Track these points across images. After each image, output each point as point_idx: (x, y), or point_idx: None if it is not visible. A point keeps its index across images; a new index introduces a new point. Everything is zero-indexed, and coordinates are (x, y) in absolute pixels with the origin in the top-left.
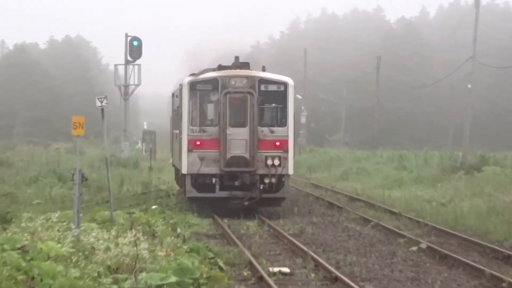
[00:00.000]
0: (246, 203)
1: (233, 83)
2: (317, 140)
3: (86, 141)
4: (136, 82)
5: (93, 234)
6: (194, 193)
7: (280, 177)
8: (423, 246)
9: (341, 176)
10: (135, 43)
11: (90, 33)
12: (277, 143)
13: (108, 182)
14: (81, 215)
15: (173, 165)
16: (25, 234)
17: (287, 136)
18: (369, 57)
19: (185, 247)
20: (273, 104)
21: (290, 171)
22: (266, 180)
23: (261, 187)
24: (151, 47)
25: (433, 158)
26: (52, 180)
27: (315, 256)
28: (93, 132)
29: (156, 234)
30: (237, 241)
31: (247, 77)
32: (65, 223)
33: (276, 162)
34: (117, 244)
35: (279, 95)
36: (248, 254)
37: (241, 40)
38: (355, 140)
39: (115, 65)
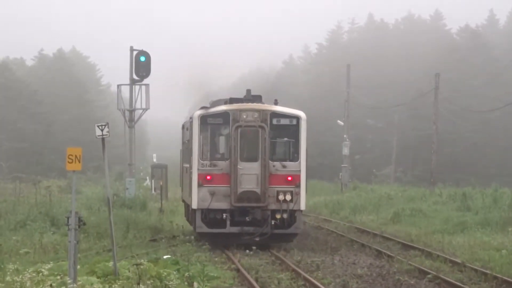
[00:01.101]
0: (257, 239)
1: (244, 116)
2: (363, 175)
3: (83, 178)
4: (143, 106)
5: None
6: (204, 229)
7: (292, 212)
8: None
9: (391, 219)
10: (142, 58)
11: (88, 47)
12: (289, 178)
13: (111, 227)
14: (78, 266)
15: (183, 200)
16: None
17: (300, 171)
18: (426, 75)
19: None
20: (285, 138)
21: (302, 206)
22: (278, 216)
23: (273, 223)
24: (158, 64)
25: (503, 197)
26: (42, 225)
27: None
28: (92, 166)
29: None
30: None
31: (258, 110)
32: (59, 277)
33: (288, 197)
34: None
35: (292, 129)
36: None
37: (270, 55)
38: (409, 176)
39: (118, 85)
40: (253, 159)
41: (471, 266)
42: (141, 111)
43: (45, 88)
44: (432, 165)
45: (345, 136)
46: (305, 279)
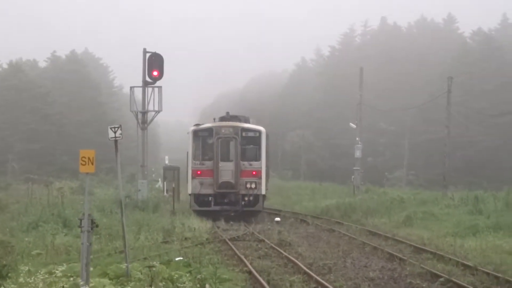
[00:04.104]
0: (232, 214)
1: (223, 131)
2: (375, 178)
3: (96, 179)
4: (156, 108)
5: None
6: (196, 207)
7: (256, 196)
8: None
9: (403, 222)
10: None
11: (100, 48)
12: (254, 173)
13: (123, 228)
14: (90, 268)
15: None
16: None
17: (261, 167)
18: (439, 79)
19: None
20: (251, 146)
21: (263, 191)
22: (246, 198)
23: (243, 203)
24: (170, 67)
25: None
26: (55, 226)
27: None
28: (104, 168)
29: None
30: None
31: (233, 126)
32: (71, 279)
33: (253, 185)
34: None
35: (255, 139)
36: None
37: (281, 58)
38: (421, 179)
39: (131, 87)
40: (229, 159)
41: (483, 269)
42: (153, 113)
43: (57, 90)
44: (445, 168)
45: (357, 139)
46: (317, 282)
